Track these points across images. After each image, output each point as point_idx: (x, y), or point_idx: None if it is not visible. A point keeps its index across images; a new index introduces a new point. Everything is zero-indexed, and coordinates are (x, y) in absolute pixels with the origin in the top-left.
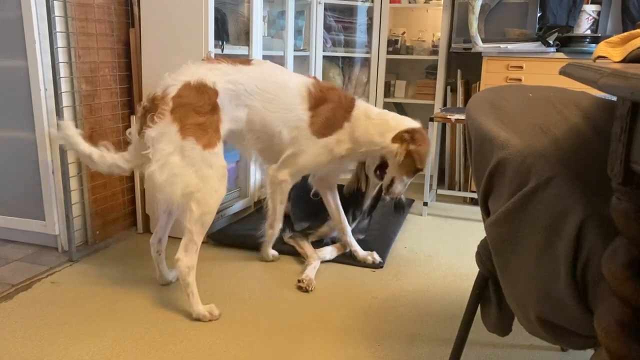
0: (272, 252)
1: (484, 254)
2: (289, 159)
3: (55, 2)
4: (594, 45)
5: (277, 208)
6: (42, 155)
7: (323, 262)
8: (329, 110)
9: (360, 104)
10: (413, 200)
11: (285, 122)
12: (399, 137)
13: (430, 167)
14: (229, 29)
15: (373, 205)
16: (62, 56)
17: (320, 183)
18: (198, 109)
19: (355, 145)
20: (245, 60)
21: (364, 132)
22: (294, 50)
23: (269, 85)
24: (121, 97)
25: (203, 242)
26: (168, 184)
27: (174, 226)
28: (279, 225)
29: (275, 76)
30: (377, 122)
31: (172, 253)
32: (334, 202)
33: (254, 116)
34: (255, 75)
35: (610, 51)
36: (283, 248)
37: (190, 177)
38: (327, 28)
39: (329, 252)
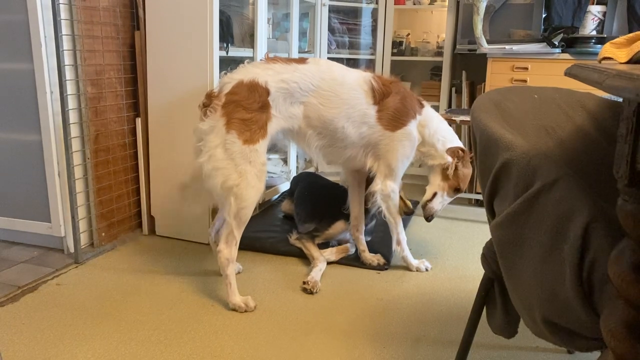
0: (416, 262)
1: (489, 256)
2: (381, 168)
3: (61, 5)
4: (599, 46)
5: (397, 220)
6: (48, 158)
7: (329, 263)
8: (397, 102)
9: (427, 105)
10: (418, 202)
11: (348, 117)
12: (454, 152)
13: None
14: (233, 31)
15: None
16: (67, 59)
17: (352, 174)
18: (247, 105)
19: (419, 145)
20: (301, 59)
21: (434, 132)
22: (299, 52)
23: (324, 83)
24: (126, 99)
25: (207, 245)
26: (212, 175)
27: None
28: (405, 238)
29: (331, 73)
30: (445, 128)
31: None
32: (359, 197)
33: (311, 113)
34: (310, 73)
35: (616, 52)
36: (287, 250)
37: (229, 171)
38: (332, 30)
39: (335, 253)
